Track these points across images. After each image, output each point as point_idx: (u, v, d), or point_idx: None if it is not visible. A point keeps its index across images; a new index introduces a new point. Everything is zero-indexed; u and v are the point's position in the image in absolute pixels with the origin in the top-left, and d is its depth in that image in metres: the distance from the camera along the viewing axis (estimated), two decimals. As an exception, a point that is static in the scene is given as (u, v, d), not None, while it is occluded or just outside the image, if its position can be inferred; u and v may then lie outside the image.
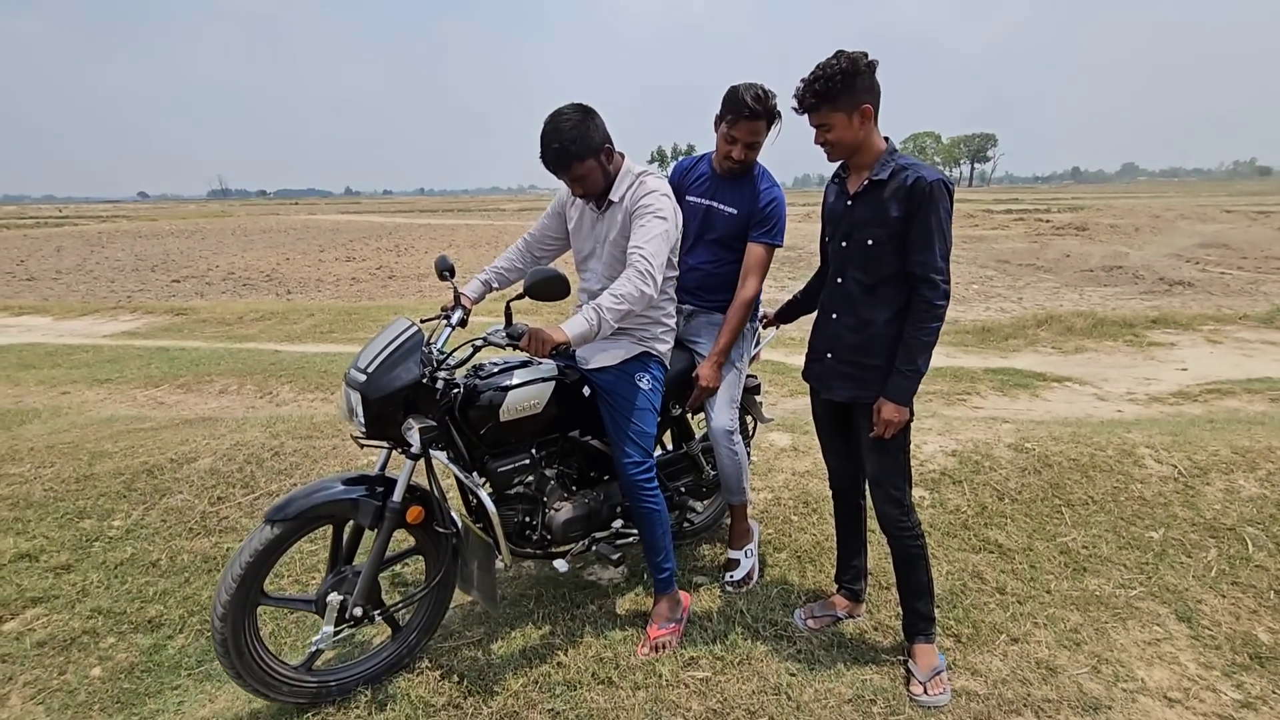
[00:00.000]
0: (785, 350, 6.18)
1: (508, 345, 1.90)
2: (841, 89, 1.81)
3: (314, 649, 1.97)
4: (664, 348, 2.30)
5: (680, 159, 2.62)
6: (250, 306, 9.31)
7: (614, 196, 2.13)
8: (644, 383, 2.22)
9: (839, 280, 2.07)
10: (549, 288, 1.83)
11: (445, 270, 2.22)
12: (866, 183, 1.93)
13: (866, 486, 2.40)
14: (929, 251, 1.86)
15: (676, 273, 2.34)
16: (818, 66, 1.84)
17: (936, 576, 2.57)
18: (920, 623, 2.15)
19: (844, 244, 2.04)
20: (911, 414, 1.98)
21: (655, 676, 2.09)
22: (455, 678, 2.12)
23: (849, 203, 2.00)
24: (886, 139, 1.95)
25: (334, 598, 1.94)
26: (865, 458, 2.11)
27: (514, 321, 1.92)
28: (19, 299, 10.92)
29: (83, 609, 2.51)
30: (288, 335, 7.46)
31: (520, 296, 1.94)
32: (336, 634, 1.96)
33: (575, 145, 1.97)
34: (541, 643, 2.26)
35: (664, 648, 2.19)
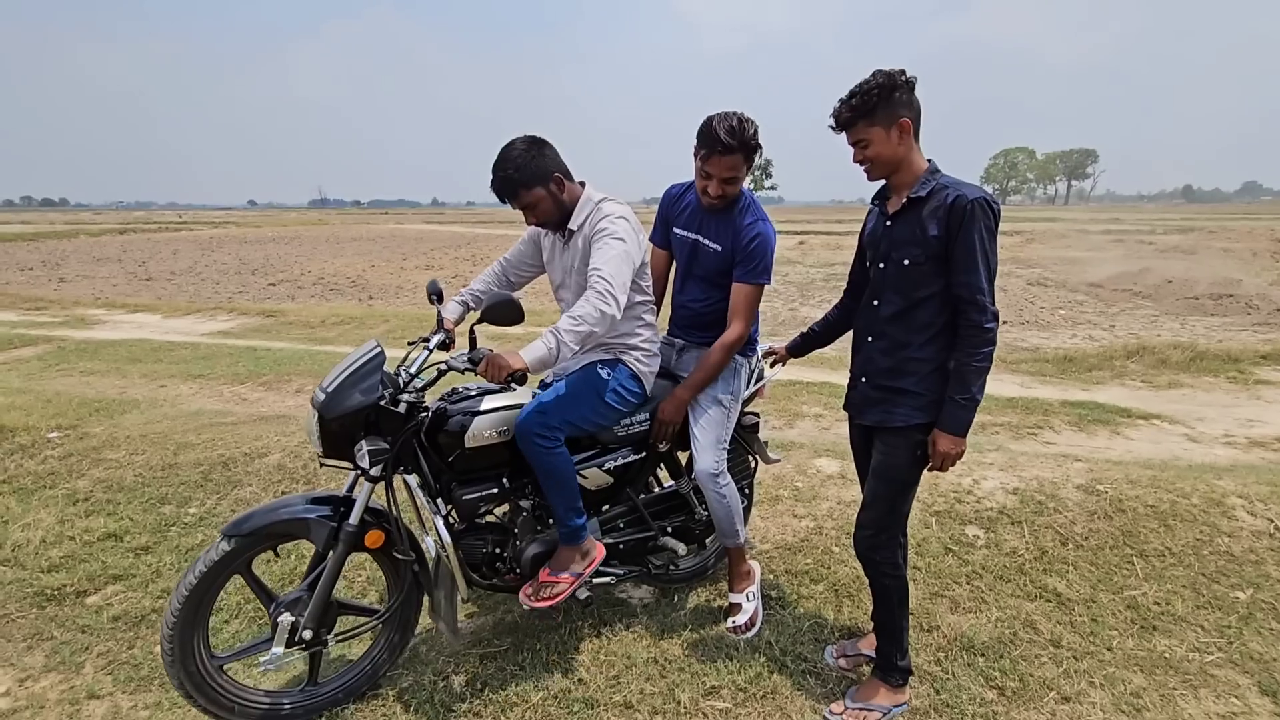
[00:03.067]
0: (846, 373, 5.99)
1: (466, 370, 1.88)
2: (878, 103, 1.80)
3: (263, 671, 1.95)
4: (640, 365, 2.25)
5: (671, 185, 2.47)
6: (333, 311, 9.88)
7: (573, 225, 2.13)
8: (603, 371, 2.17)
9: (875, 303, 2.01)
10: (503, 312, 1.83)
11: (434, 294, 2.26)
12: (905, 201, 1.88)
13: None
14: (973, 272, 1.79)
15: (649, 297, 2.28)
16: (855, 85, 1.83)
17: (984, 622, 2.43)
18: (885, 668, 2.07)
19: (882, 265, 1.99)
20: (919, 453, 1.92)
21: (674, 703, 2.07)
22: (478, 684, 2.16)
23: (888, 223, 1.96)
24: (930, 160, 1.90)
25: (285, 619, 1.91)
26: (869, 481, 2.05)
27: (477, 346, 1.91)
28: (136, 297, 12.00)
29: (154, 589, 2.72)
30: (363, 340, 7.85)
31: (481, 320, 1.92)
32: (285, 656, 1.93)
33: (521, 174, 1.99)
34: (564, 658, 2.27)
35: (551, 597, 2.06)
